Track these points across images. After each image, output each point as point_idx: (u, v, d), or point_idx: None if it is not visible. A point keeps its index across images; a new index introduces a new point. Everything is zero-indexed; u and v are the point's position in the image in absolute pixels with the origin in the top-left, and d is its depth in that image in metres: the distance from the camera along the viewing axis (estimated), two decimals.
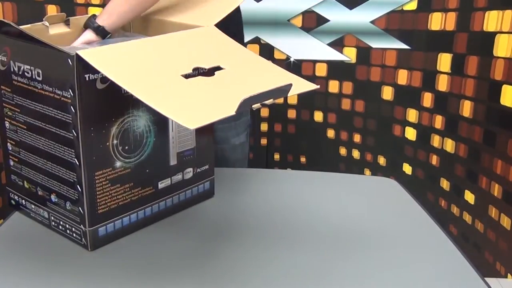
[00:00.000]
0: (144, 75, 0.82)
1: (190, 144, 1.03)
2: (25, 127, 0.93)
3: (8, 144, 0.97)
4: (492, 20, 1.89)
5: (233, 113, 0.73)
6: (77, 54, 0.80)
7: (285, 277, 0.86)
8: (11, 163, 0.98)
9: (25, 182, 0.97)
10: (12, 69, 0.90)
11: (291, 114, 2.18)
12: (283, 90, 0.81)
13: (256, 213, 1.05)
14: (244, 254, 0.91)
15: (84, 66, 0.81)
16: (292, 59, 2.06)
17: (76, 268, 0.86)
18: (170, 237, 0.96)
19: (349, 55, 2.03)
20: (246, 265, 0.88)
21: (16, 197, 1.01)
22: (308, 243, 0.96)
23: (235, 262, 0.89)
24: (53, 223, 0.95)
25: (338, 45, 2.04)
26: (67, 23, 1.04)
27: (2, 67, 0.92)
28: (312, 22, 2.01)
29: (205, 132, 1.05)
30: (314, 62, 2.07)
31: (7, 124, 0.96)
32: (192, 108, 0.77)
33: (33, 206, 0.98)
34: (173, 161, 1.00)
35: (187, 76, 0.83)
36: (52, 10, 1.92)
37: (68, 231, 0.93)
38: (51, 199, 0.93)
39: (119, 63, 0.83)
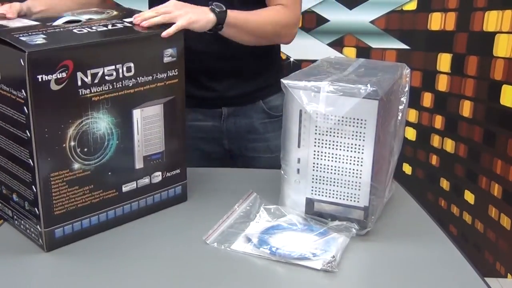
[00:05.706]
0: None
1: (158, 147, 1.00)
2: None
3: None
4: (492, 20, 1.89)
5: None
6: (28, 53, 0.78)
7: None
8: None
9: None
10: None
11: None
12: None
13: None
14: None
15: (37, 67, 0.79)
16: (292, 59, 2.06)
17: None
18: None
19: (349, 55, 2.03)
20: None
21: None
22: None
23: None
24: (16, 222, 0.94)
25: (338, 45, 2.04)
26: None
27: None
28: (312, 22, 2.01)
29: (176, 136, 1.01)
30: (314, 62, 2.07)
31: None
32: None
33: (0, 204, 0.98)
34: (139, 165, 0.98)
35: None
36: None
37: (28, 231, 0.92)
38: (13, 198, 0.93)
39: None
